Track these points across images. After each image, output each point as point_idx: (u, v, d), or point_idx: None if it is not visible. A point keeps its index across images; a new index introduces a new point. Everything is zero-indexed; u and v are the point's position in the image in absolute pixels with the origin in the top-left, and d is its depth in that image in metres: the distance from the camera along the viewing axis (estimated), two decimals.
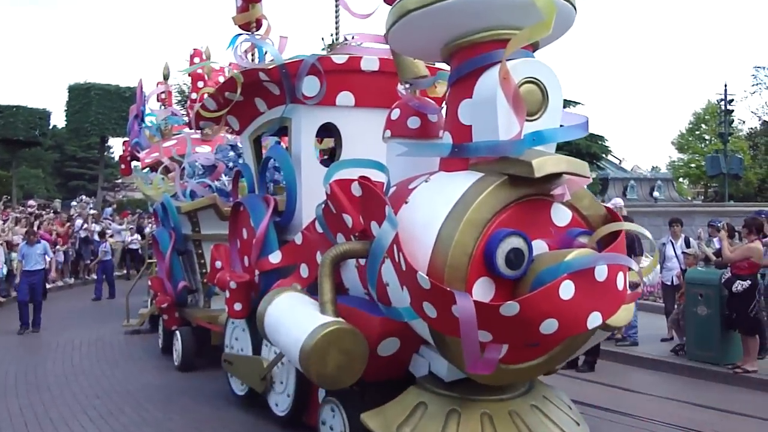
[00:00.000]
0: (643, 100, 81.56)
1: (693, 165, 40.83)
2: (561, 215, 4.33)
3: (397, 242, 4.06)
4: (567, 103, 32.55)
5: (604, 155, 33.24)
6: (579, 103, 32.78)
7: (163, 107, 11.95)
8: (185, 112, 14.67)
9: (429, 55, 4.93)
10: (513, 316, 3.53)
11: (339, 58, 5.68)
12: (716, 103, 36.10)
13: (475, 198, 4.10)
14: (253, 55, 6.68)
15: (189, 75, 12.32)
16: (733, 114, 32.81)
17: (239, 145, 8.96)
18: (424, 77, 5.34)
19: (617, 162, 37.94)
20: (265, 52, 6.53)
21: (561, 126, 4.26)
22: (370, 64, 5.78)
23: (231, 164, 8.76)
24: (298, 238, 5.63)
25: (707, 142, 41.30)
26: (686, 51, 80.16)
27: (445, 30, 4.30)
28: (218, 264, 6.33)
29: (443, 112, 5.05)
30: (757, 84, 40.70)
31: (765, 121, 41.66)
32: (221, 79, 11.57)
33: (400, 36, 4.57)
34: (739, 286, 8.15)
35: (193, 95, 11.70)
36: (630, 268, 3.97)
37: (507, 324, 3.64)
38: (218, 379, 7.29)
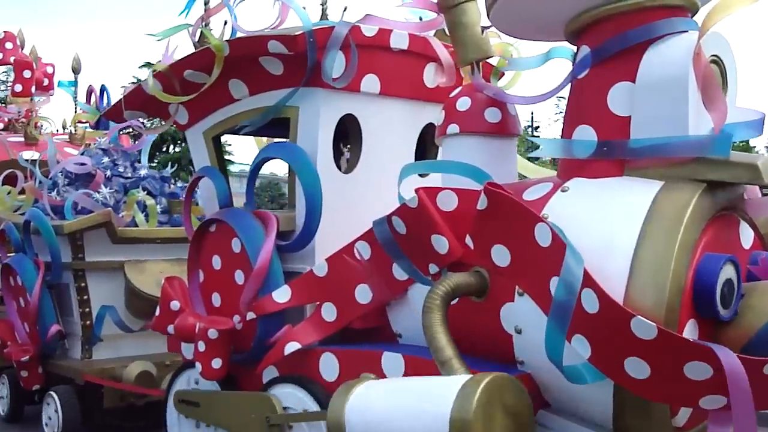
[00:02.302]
0: None
1: None
2: (747, 234, 3.44)
3: (589, 277, 2.88)
4: None
5: None
6: None
7: None
8: None
9: (542, 32, 3.82)
10: None
11: (369, 30, 4.31)
12: (525, 129, 37.02)
13: (679, 213, 3.06)
14: (206, 25, 4.99)
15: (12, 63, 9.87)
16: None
17: (110, 149, 7.10)
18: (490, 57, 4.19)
19: None
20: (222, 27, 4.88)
21: None
22: (399, 40, 4.48)
23: (108, 173, 6.84)
24: (320, 269, 4.16)
25: None
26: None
27: None
28: (174, 305, 4.59)
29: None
30: (559, 112, 42.63)
31: None
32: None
33: (513, 7, 3.56)
34: None
35: (17, 87, 9.33)
36: None
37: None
38: None
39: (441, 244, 3.57)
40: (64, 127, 10.72)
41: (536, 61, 3.96)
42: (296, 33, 4.09)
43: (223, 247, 4.54)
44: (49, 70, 9.93)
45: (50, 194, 6.57)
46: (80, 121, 10.68)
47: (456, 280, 3.41)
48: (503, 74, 4.92)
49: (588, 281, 2.83)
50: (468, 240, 3.46)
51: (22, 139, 9.61)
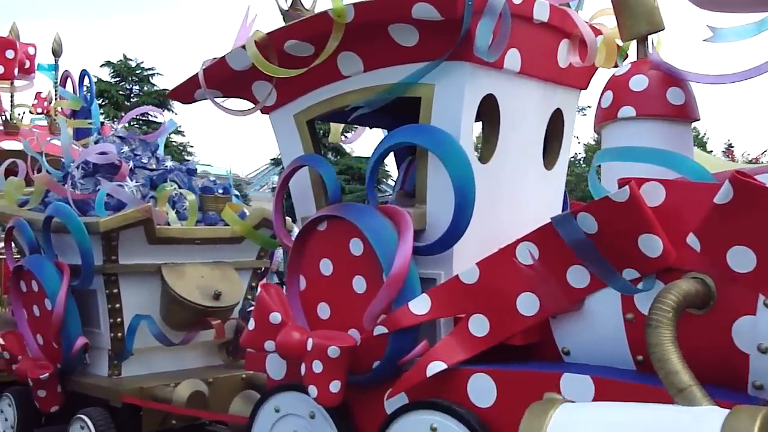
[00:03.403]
0: None
1: None
2: None
3: None
4: (349, 128, 31.27)
5: (385, 180, 31.64)
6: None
7: None
8: None
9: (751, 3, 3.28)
10: None
11: None
12: None
13: None
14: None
15: None
16: None
17: (129, 138, 6.27)
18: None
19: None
20: None
21: None
22: (541, 11, 3.89)
23: (131, 164, 6.01)
24: (469, 275, 3.53)
25: None
26: None
27: None
28: (275, 317, 3.86)
29: None
30: None
31: None
32: None
33: None
34: None
35: None
36: None
37: None
38: None
39: (653, 245, 2.99)
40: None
41: (747, 31, 3.42)
42: None
43: (337, 249, 3.85)
44: (31, 51, 8.91)
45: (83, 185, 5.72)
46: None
47: (684, 288, 2.83)
48: (628, 56, 4.43)
49: None
50: (692, 240, 2.89)
51: (1, 128, 8.58)
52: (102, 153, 5.84)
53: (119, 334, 5.47)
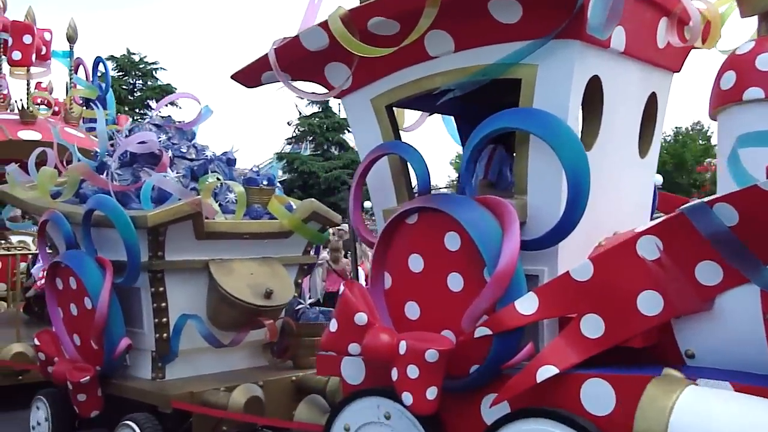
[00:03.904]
0: (432, 123, 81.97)
1: None
2: None
3: None
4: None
5: None
6: None
7: None
8: None
9: None
10: None
11: None
12: None
13: None
14: None
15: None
16: None
17: (165, 126, 5.95)
18: None
19: None
20: None
21: None
22: None
23: (170, 153, 5.69)
24: (582, 272, 3.24)
25: None
26: None
27: None
28: (361, 318, 3.56)
29: None
30: None
31: None
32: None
33: None
34: None
35: (16, 54, 7.92)
36: None
37: None
38: None
39: None
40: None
41: None
42: None
43: (430, 244, 3.55)
44: (47, 36, 8.51)
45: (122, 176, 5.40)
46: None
47: None
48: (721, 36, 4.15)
49: None
50: None
51: (17, 118, 8.20)
52: (142, 142, 5.50)
53: (164, 335, 5.15)
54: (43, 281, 7.54)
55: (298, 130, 31.21)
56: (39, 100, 9.89)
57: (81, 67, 9.18)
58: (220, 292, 5.12)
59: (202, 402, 4.86)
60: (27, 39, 7.87)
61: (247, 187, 5.73)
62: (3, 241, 10.20)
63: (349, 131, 33.00)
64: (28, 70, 8.37)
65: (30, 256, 8.43)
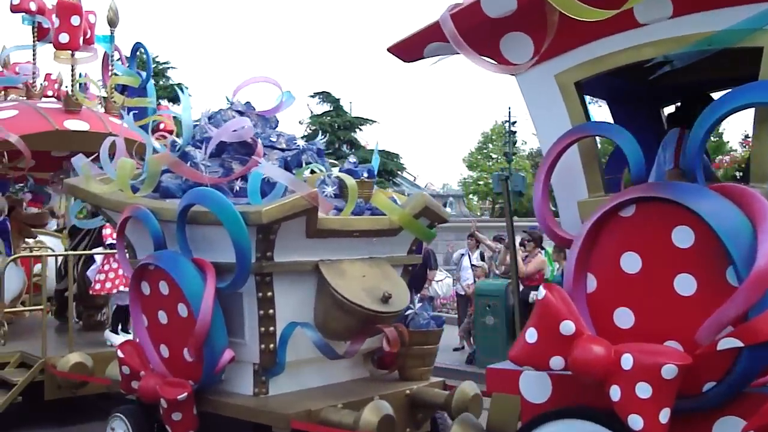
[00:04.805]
0: (435, 120, 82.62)
1: (481, 182, 42.21)
2: None
3: None
4: (363, 122, 32.27)
5: (399, 172, 33.81)
6: (373, 121, 33.01)
7: None
8: None
9: None
10: None
11: None
12: (502, 124, 38.75)
13: None
14: None
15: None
16: (516, 135, 36.18)
17: (248, 113, 5.41)
18: None
19: (412, 179, 38.37)
20: None
21: None
22: None
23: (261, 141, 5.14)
24: None
25: (494, 160, 42.92)
26: (475, 76, 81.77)
27: None
28: (568, 326, 3.04)
29: None
30: None
31: None
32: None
33: None
34: (533, 296, 8.28)
35: (63, 37, 7.28)
36: None
37: None
38: None
39: None
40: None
41: None
42: None
43: (652, 240, 3.04)
44: (92, 19, 7.86)
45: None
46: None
47: None
48: None
49: None
50: None
51: (59, 107, 7.57)
52: (238, 129, 4.95)
53: (270, 345, 4.58)
54: (99, 285, 6.96)
55: (309, 129, 30.71)
56: (51, 93, 9.26)
57: (117, 52, 8.57)
58: (333, 296, 4.56)
59: (323, 421, 4.30)
60: (75, 20, 7.21)
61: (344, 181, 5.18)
62: (29, 240, 9.55)
63: (360, 129, 32.54)
64: (72, 55, 7.73)
65: (75, 257, 7.78)
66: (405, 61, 3.84)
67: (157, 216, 4.80)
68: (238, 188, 4.88)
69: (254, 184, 4.50)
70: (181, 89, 6.82)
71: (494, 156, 43.76)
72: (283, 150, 5.31)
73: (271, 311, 4.57)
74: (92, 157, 5.48)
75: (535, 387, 3.45)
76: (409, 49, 3.78)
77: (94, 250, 7.41)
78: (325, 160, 5.53)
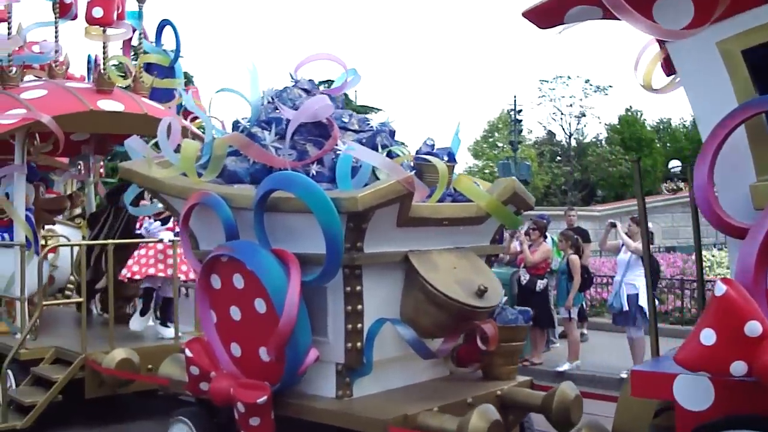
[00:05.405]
0: (442, 109, 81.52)
1: (487, 171, 41.32)
2: None
3: None
4: (369, 110, 31.19)
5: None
6: (379, 110, 32.38)
7: None
8: None
9: None
10: None
11: None
12: (507, 113, 38.16)
13: None
14: None
15: None
16: (521, 123, 34.87)
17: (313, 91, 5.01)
18: None
19: None
20: None
21: None
22: None
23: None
24: None
25: (500, 149, 42.49)
26: (481, 64, 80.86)
27: None
28: (754, 327, 2.67)
29: None
30: (542, 96, 42.76)
31: (549, 130, 44.10)
32: None
33: None
34: (541, 285, 8.73)
35: (97, 11, 6.83)
36: None
37: None
38: None
39: None
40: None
41: None
42: None
43: None
44: None
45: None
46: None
47: None
48: None
49: None
50: None
51: (90, 86, 7.12)
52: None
53: (358, 344, 4.19)
54: (127, 271, 6.53)
55: None
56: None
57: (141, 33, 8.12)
58: (426, 290, 4.18)
59: (422, 426, 3.93)
60: None
61: (422, 164, 4.79)
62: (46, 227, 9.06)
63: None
64: (104, 32, 7.27)
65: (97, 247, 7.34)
66: (541, 28, 3.44)
67: (228, 203, 4.39)
68: (314, 172, 4.48)
69: (344, 167, 4.10)
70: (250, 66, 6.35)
71: (500, 144, 43.49)
72: (356, 131, 4.90)
73: (359, 307, 4.18)
74: (152, 142, 5.03)
75: (694, 392, 3.08)
76: (548, 14, 3.38)
77: (128, 240, 6.98)
78: (398, 142, 5.13)
